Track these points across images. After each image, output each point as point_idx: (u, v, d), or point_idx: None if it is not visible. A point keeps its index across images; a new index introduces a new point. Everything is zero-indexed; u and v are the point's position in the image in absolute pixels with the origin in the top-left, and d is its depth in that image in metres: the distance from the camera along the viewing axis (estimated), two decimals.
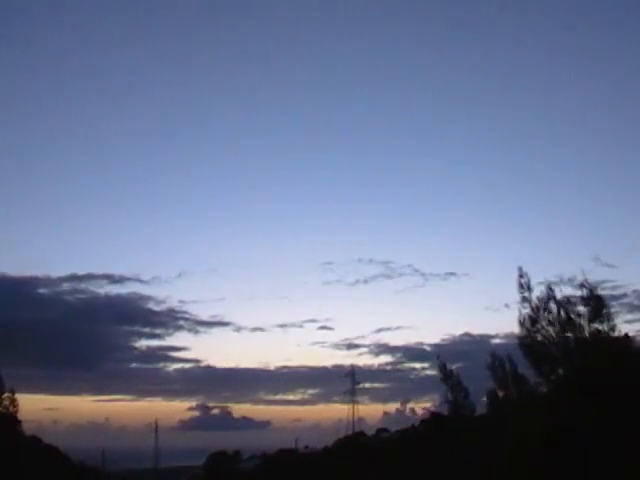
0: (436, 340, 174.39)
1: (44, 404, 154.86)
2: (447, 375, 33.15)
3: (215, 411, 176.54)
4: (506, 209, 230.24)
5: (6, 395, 50.97)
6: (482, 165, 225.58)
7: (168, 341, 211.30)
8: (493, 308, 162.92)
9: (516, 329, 26.47)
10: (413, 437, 58.27)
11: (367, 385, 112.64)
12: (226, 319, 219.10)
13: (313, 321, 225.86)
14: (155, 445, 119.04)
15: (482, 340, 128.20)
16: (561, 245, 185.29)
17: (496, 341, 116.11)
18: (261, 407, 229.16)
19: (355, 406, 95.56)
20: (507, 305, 30.44)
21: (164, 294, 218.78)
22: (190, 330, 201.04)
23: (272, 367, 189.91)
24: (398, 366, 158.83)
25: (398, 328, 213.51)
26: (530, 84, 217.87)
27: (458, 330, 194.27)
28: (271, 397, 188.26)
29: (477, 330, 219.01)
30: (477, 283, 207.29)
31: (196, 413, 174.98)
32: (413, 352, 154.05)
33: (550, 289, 25.70)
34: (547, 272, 27.90)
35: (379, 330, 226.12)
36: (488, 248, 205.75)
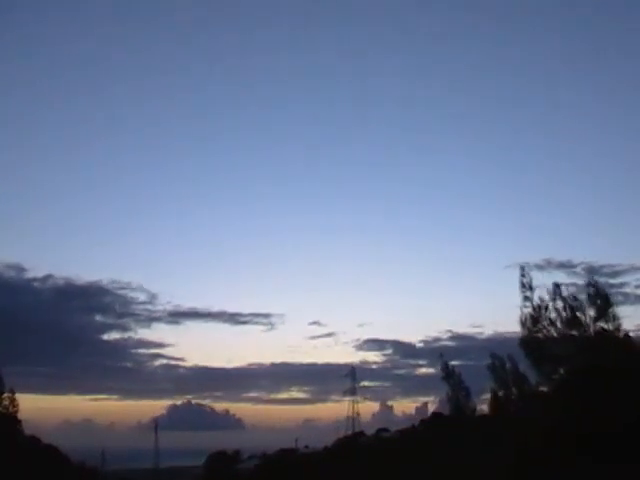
0: (421, 336, 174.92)
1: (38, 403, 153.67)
2: (449, 374, 32.98)
3: (207, 410, 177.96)
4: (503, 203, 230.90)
5: (6, 395, 50.92)
6: (471, 155, 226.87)
7: (156, 336, 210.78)
8: (482, 302, 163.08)
9: (507, 324, 26.63)
10: (413, 437, 58.13)
11: (362, 383, 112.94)
12: (213, 311, 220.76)
13: (302, 317, 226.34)
14: (155, 445, 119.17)
15: (470, 336, 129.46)
16: (552, 230, 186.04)
17: (484, 337, 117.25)
18: (259, 406, 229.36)
19: (354, 404, 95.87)
20: (496, 299, 30.49)
21: (142, 284, 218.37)
22: (172, 323, 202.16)
23: (267, 364, 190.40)
24: (392, 363, 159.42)
25: (385, 323, 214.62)
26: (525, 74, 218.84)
27: (445, 325, 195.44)
28: (265, 396, 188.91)
29: (464, 324, 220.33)
30: (463, 275, 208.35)
31: (187, 413, 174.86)
32: (404, 349, 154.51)
33: (557, 286, 25.62)
34: (538, 256, 28.02)
35: (362, 324, 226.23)
36: (477, 241, 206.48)
